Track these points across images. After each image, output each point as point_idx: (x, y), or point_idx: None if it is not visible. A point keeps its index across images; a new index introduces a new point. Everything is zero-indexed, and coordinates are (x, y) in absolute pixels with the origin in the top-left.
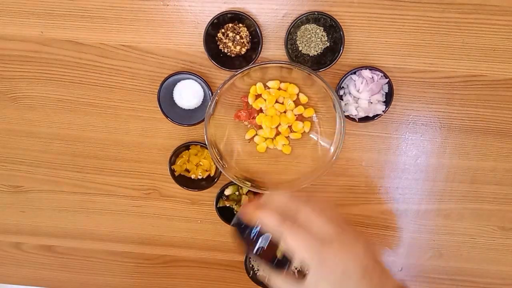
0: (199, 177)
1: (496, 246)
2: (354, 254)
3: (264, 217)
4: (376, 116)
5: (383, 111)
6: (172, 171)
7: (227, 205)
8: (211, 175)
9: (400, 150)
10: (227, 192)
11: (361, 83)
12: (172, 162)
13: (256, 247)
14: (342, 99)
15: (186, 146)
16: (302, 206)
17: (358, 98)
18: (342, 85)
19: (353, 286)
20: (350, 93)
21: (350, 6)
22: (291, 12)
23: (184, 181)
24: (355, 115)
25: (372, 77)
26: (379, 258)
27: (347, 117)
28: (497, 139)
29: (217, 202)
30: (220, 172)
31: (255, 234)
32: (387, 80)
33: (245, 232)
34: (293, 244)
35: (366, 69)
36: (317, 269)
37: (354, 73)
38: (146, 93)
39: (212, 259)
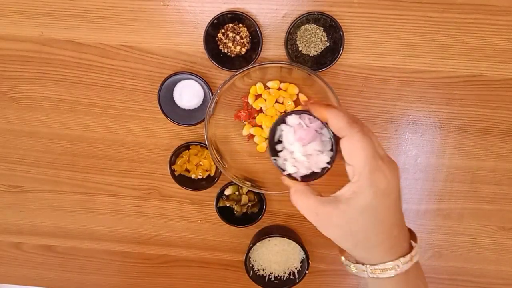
0: (199, 177)
1: (496, 246)
2: (398, 175)
3: (335, 115)
4: (324, 169)
5: (328, 163)
6: (172, 171)
7: (227, 205)
8: (211, 175)
9: (400, 150)
10: (227, 192)
11: (291, 133)
12: (172, 162)
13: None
14: (278, 155)
15: (186, 146)
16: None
17: (292, 152)
18: (279, 138)
19: (389, 202)
20: (285, 147)
21: (350, 6)
22: (291, 12)
23: (184, 181)
24: (295, 173)
25: (300, 123)
26: None
27: (289, 176)
28: (497, 139)
29: (217, 202)
30: (220, 172)
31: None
32: (321, 123)
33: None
34: (360, 145)
35: (291, 114)
36: (367, 177)
37: (284, 121)
38: (146, 93)
39: (212, 259)
